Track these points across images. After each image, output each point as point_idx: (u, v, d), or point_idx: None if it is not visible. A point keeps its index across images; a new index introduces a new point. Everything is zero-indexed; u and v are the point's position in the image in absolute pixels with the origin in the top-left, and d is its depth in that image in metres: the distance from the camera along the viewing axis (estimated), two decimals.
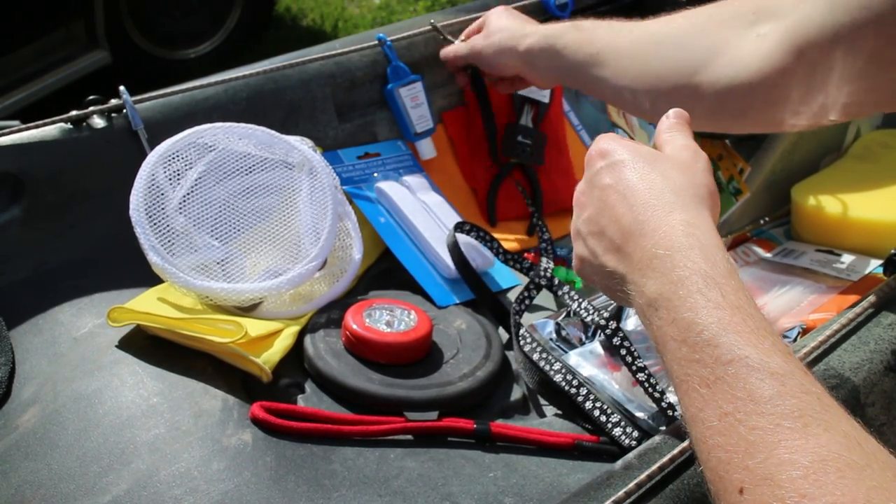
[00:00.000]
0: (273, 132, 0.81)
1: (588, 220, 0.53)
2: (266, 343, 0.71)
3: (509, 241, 0.99)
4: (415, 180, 0.96)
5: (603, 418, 0.68)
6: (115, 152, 0.86)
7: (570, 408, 0.71)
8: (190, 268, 0.73)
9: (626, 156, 0.52)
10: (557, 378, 0.72)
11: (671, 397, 0.70)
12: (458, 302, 0.83)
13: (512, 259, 0.87)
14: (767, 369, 0.38)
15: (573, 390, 0.69)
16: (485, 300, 0.84)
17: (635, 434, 0.65)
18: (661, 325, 0.44)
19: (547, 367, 0.71)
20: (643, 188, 0.49)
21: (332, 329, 0.74)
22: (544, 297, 0.89)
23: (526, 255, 0.95)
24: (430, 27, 1.05)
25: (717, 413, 0.39)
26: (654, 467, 0.52)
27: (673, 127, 0.56)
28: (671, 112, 0.57)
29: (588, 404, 0.68)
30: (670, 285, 0.44)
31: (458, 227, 0.85)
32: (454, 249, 0.84)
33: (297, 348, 0.73)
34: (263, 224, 0.79)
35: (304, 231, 0.78)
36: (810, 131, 1.06)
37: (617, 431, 0.66)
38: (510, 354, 0.77)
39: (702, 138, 1.02)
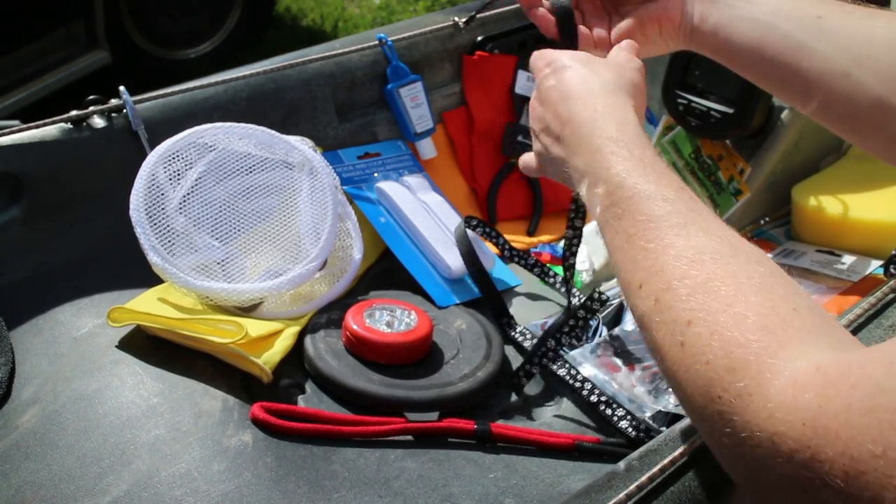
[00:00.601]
0: (273, 132, 0.81)
1: (537, 119, 0.60)
2: (266, 343, 0.70)
3: (509, 240, 0.99)
4: (415, 180, 0.95)
5: (609, 412, 0.68)
6: (115, 152, 0.86)
7: (575, 402, 0.71)
8: (190, 268, 0.73)
9: (566, 61, 0.59)
10: (561, 372, 0.72)
11: (672, 398, 0.70)
12: (458, 302, 0.83)
13: (517, 256, 0.88)
14: (661, 196, 0.48)
15: (577, 384, 0.70)
16: (489, 297, 0.84)
17: (642, 426, 0.66)
18: (588, 191, 0.53)
19: (549, 364, 0.72)
20: (576, 83, 0.57)
21: (332, 329, 0.74)
22: (544, 298, 0.89)
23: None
24: (434, 27, 1.04)
25: (625, 236, 0.48)
26: (656, 469, 0.52)
27: (622, 47, 0.63)
28: (623, 43, 0.63)
29: (593, 398, 0.69)
30: (591, 154, 0.53)
31: (467, 222, 0.85)
32: (463, 241, 0.84)
33: (298, 348, 0.73)
34: (264, 224, 0.79)
35: (304, 231, 0.78)
36: (811, 131, 1.06)
37: (623, 424, 0.67)
38: (510, 351, 0.77)
39: (701, 138, 1.02)
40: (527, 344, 0.78)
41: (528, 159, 0.64)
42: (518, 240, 1.01)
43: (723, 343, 0.39)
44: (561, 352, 0.77)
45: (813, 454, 0.33)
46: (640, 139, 0.53)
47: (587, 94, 0.56)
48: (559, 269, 0.92)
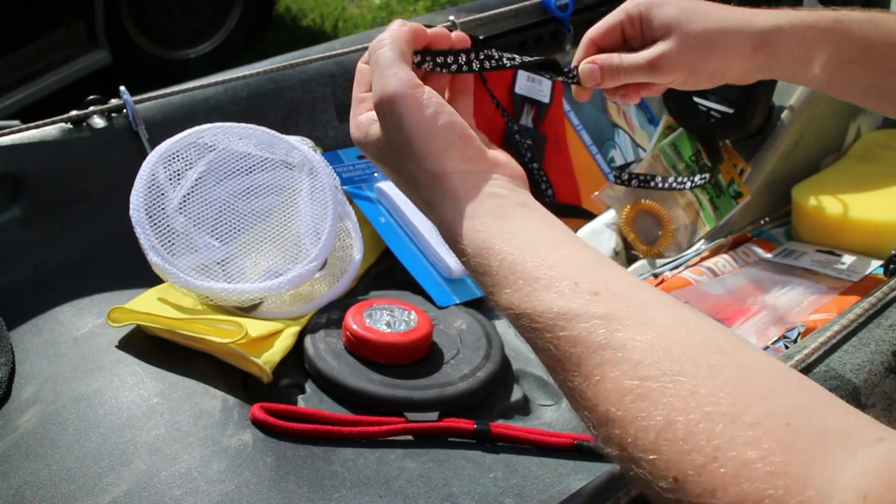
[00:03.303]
0: (273, 132, 0.81)
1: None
2: (266, 343, 0.70)
3: None
4: None
5: None
6: (115, 152, 0.86)
7: None
8: (190, 268, 0.73)
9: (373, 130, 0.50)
10: None
11: None
12: (458, 302, 0.83)
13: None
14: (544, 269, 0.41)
15: None
16: None
17: None
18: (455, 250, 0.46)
19: None
20: (389, 153, 0.49)
21: (332, 329, 0.74)
22: None
23: None
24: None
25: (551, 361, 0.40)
26: None
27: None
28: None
29: None
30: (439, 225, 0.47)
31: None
32: None
33: (298, 349, 0.73)
34: (264, 224, 0.79)
35: (304, 231, 0.78)
36: (810, 131, 1.06)
37: None
38: (510, 351, 0.77)
39: (700, 143, 1.02)
40: None
41: None
42: None
43: (733, 500, 0.31)
44: None
45: None
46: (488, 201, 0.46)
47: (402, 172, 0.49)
48: None
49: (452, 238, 0.46)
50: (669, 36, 0.61)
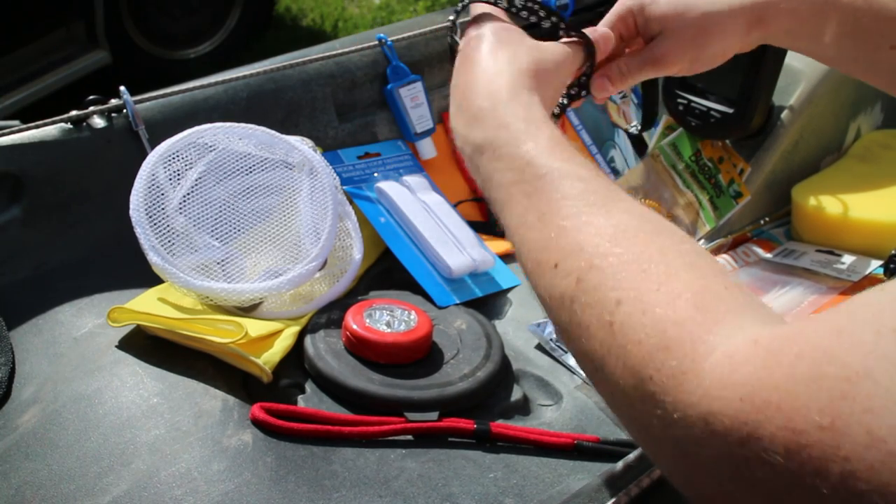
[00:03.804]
0: (273, 132, 0.81)
1: (452, 99, 0.58)
2: (266, 343, 0.70)
3: (509, 241, 0.99)
4: (415, 180, 0.96)
5: None
6: (115, 152, 0.86)
7: (575, 402, 0.71)
8: (190, 268, 0.73)
9: (487, 32, 0.58)
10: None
11: None
12: (458, 302, 0.83)
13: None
14: (576, 175, 0.46)
15: None
16: None
17: None
18: (486, 163, 0.51)
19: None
20: (486, 55, 0.56)
21: (332, 329, 0.74)
22: None
23: None
24: (434, 27, 1.04)
25: (537, 214, 0.46)
26: (656, 469, 0.52)
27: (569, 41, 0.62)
28: (598, 32, 0.63)
29: None
30: (494, 130, 0.51)
31: None
32: None
33: (298, 348, 0.73)
34: (264, 224, 0.79)
35: (304, 231, 0.78)
36: (811, 131, 1.06)
37: None
38: (510, 351, 0.77)
39: (702, 140, 1.02)
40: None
41: None
42: None
43: (656, 321, 0.37)
44: (562, 354, 0.77)
45: (750, 431, 0.31)
46: (548, 121, 0.51)
47: (493, 69, 0.55)
48: None
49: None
50: (666, 30, 0.64)
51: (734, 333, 0.35)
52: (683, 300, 0.38)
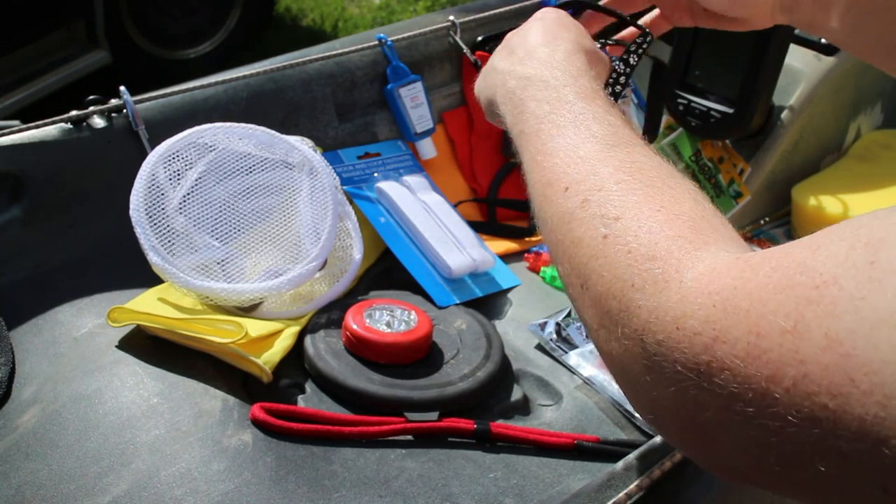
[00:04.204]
0: (273, 132, 0.81)
1: (503, 47, 0.61)
2: (266, 343, 0.70)
3: (509, 241, 0.99)
4: (415, 180, 0.95)
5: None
6: (115, 152, 0.86)
7: (575, 402, 0.71)
8: (190, 268, 0.73)
9: (561, 13, 0.62)
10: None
11: None
12: (458, 302, 0.83)
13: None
14: (606, 120, 0.49)
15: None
16: None
17: None
18: (527, 94, 0.54)
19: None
20: (555, 24, 0.60)
21: (332, 329, 0.74)
22: (544, 298, 0.89)
23: (525, 256, 0.95)
24: (434, 27, 1.04)
25: (561, 144, 0.49)
26: (655, 469, 0.52)
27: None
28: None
29: None
30: (549, 70, 0.55)
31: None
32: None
33: (298, 349, 0.73)
34: (264, 224, 0.79)
35: (304, 231, 0.78)
36: (811, 131, 1.06)
37: None
38: (510, 351, 0.77)
39: (702, 140, 1.02)
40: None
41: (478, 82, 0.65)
42: (518, 240, 1.01)
43: (651, 235, 0.39)
44: (562, 354, 0.77)
45: (717, 335, 0.32)
46: (590, 78, 0.55)
47: (558, 33, 0.59)
48: (545, 270, 0.92)
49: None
50: None
51: (720, 253, 0.37)
52: (681, 221, 0.40)
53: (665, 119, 1.04)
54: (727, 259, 0.36)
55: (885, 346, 0.27)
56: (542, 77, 0.54)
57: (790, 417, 0.29)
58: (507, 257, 0.94)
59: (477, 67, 0.71)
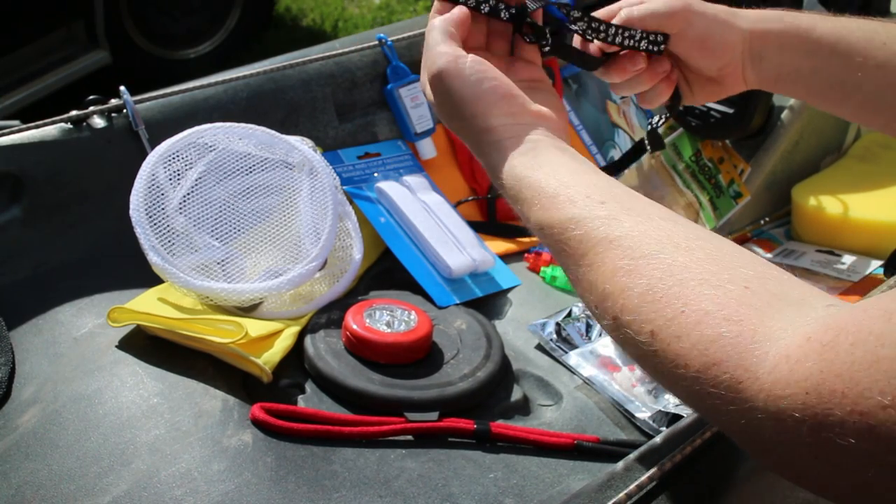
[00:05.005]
0: (273, 132, 0.81)
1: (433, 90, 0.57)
2: (266, 343, 0.70)
3: (509, 241, 0.99)
4: (415, 180, 0.96)
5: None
6: (115, 152, 0.86)
7: (575, 402, 0.71)
8: (190, 268, 0.73)
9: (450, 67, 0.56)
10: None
11: (672, 398, 0.70)
12: (458, 302, 0.83)
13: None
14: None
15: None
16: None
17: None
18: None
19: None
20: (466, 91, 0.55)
21: (332, 329, 0.74)
22: (544, 298, 0.89)
23: (525, 256, 0.95)
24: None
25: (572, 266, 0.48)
26: (655, 469, 0.52)
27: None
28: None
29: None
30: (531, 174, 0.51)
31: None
32: None
33: (298, 349, 0.73)
34: (264, 224, 0.79)
35: (304, 231, 0.78)
36: (811, 131, 1.06)
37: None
38: (510, 351, 0.77)
39: (702, 140, 1.02)
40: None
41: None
42: (518, 240, 1.01)
43: (694, 345, 0.38)
44: (562, 354, 0.77)
45: (821, 420, 0.33)
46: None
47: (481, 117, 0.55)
48: (557, 271, 0.92)
49: (496, 177, 0.53)
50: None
51: (781, 335, 0.36)
52: (712, 316, 0.39)
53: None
54: (797, 343, 0.35)
55: None
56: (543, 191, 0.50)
57: None
58: (507, 257, 0.94)
59: None
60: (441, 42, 0.56)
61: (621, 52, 0.64)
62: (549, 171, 0.50)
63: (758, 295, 0.39)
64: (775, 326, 0.37)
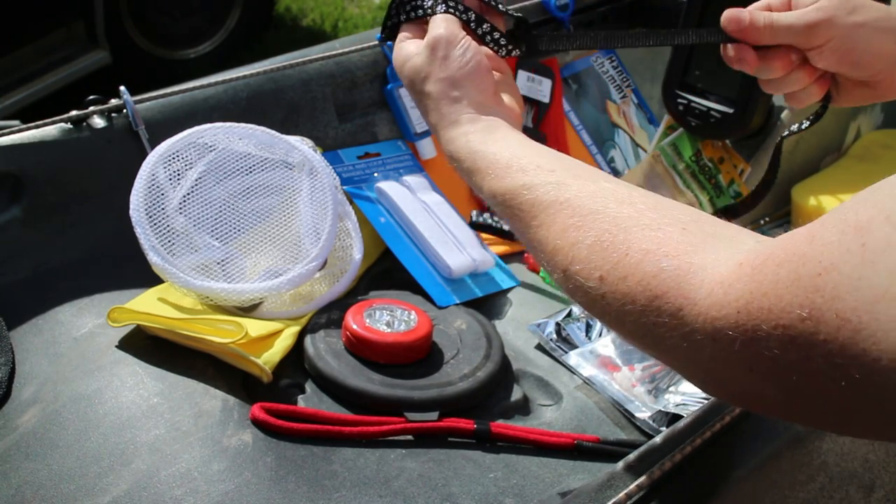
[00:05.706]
0: (273, 132, 0.81)
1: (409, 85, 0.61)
2: (266, 343, 0.70)
3: (509, 241, 0.99)
4: (415, 180, 0.96)
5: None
6: (115, 152, 0.86)
7: (575, 402, 0.71)
8: (190, 268, 0.73)
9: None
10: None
11: (672, 398, 0.70)
12: (458, 302, 0.83)
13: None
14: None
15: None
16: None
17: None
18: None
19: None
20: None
21: (332, 329, 0.74)
22: (544, 298, 0.89)
23: (525, 256, 0.95)
24: None
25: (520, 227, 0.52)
26: (655, 468, 0.52)
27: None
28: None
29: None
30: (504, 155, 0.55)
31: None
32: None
33: (298, 348, 0.73)
34: (264, 224, 0.79)
35: (304, 231, 0.78)
36: (810, 131, 1.06)
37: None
38: (510, 351, 0.77)
39: (702, 140, 1.02)
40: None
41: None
42: (517, 241, 1.01)
43: (638, 281, 0.42)
44: (561, 354, 0.77)
45: (751, 336, 0.36)
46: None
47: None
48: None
49: (448, 149, 0.57)
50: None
51: (715, 264, 0.40)
52: (652, 255, 0.42)
53: (665, 119, 1.04)
54: (729, 269, 0.39)
55: (884, 318, 0.31)
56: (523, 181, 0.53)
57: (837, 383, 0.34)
58: (507, 257, 0.94)
59: None
60: (446, 18, 0.60)
61: (779, 45, 0.62)
62: (503, 145, 0.54)
63: (694, 234, 0.43)
64: (710, 258, 0.40)
